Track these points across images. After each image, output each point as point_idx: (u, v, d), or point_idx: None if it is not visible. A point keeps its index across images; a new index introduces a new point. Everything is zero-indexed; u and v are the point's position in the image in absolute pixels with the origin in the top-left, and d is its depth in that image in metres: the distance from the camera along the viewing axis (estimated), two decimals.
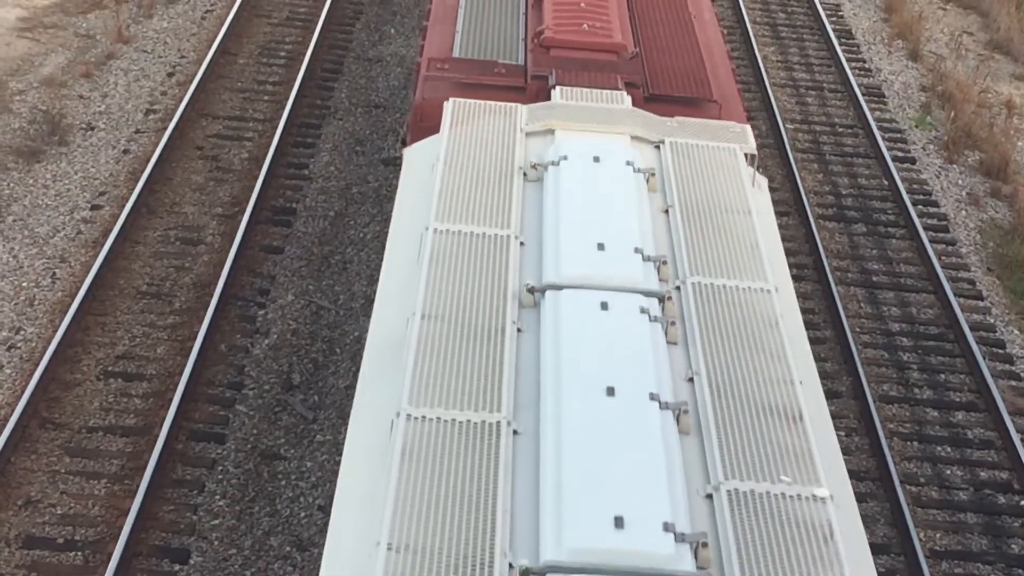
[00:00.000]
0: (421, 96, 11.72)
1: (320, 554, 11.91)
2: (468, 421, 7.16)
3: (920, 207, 18.20)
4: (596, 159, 9.72)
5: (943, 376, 15.06)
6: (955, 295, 16.22)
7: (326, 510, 12.39)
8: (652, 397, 7.43)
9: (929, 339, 15.64)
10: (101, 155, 17.66)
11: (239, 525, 12.24)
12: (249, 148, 18.14)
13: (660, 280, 8.68)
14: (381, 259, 9.25)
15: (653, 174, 9.90)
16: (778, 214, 17.36)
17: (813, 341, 14.91)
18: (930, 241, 17.26)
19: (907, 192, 18.37)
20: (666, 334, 8.16)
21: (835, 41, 22.47)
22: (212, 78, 19.67)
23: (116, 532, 11.84)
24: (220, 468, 12.85)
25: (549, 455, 7.01)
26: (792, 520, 6.75)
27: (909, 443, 14.06)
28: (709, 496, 6.99)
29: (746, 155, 10.43)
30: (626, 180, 9.51)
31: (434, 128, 10.71)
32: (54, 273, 15.23)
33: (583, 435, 7.10)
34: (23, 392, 13.14)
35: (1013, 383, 15.05)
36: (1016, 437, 13.91)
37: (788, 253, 16.35)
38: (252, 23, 21.65)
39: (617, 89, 11.42)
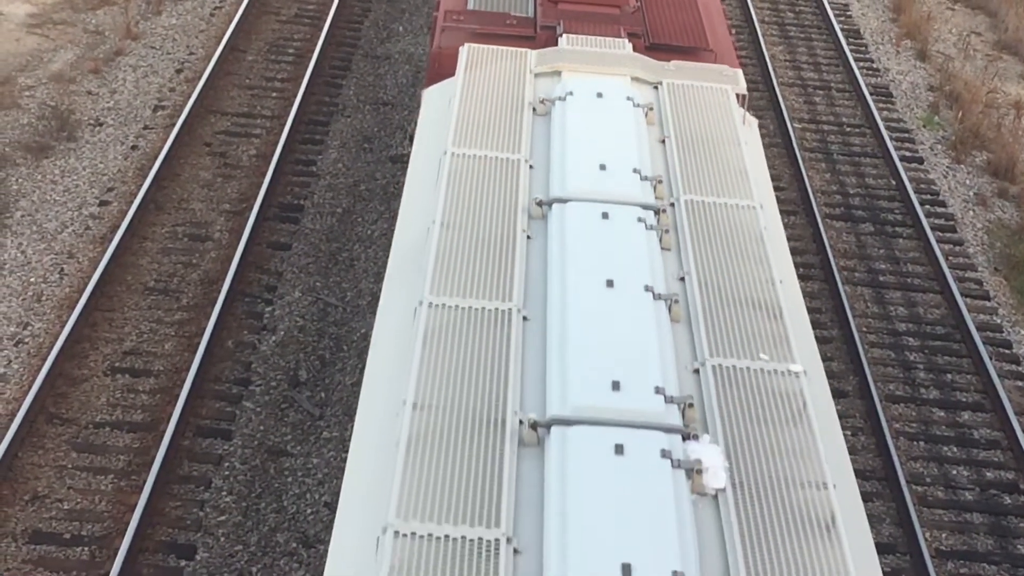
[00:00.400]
0: (438, 45, 12.40)
1: (326, 551, 11.93)
2: (483, 308, 7.94)
3: (927, 207, 18.20)
4: (599, 95, 10.55)
5: (950, 376, 15.06)
6: (962, 295, 16.22)
7: (332, 507, 12.42)
8: (647, 288, 8.25)
9: (936, 339, 15.63)
10: (109, 151, 17.69)
11: (245, 521, 12.26)
12: (257, 145, 18.16)
13: (656, 197, 9.50)
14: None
15: (651, 109, 10.72)
16: (785, 213, 17.36)
17: (819, 340, 14.92)
18: (937, 241, 17.26)
19: (914, 192, 18.36)
20: (660, 241, 9.01)
21: (843, 41, 22.46)
22: (220, 75, 19.69)
23: (123, 527, 11.87)
24: (227, 464, 12.87)
25: (555, 334, 7.78)
26: (769, 391, 7.57)
27: (915, 443, 14.06)
28: (696, 371, 7.80)
29: (737, 96, 11.22)
30: (626, 113, 10.34)
31: (451, 75, 11.48)
32: (62, 269, 15.26)
33: (585, 318, 7.90)
34: (30, 387, 13.17)
35: (1020, 383, 15.05)
36: (1022, 437, 13.90)
37: (795, 252, 16.36)
38: (261, 20, 21.67)
39: (619, 38, 12.13)
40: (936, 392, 14.81)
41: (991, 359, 15.18)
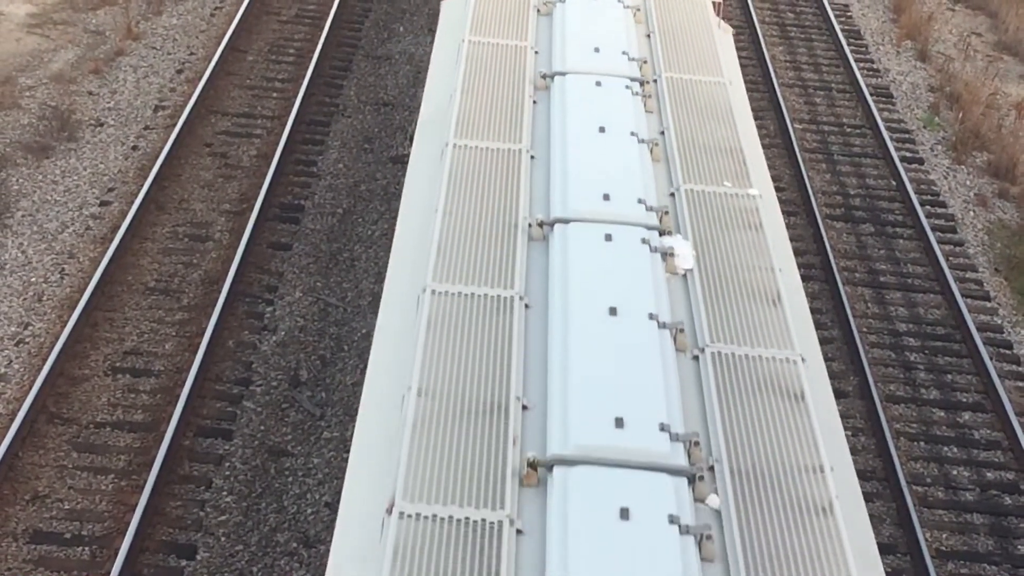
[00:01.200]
0: None
1: (326, 551, 11.93)
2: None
3: (928, 207, 18.20)
4: None
5: (950, 376, 15.06)
6: (962, 295, 16.22)
7: (333, 507, 12.42)
8: (632, 133, 10.09)
9: (936, 339, 15.64)
10: (110, 151, 17.69)
11: (246, 521, 12.26)
12: (258, 145, 18.17)
13: (642, 75, 11.25)
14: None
15: (639, 10, 12.67)
16: (785, 213, 17.36)
17: (820, 340, 14.91)
18: (938, 242, 17.26)
19: (915, 192, 18.37)
20: (644, 106, 10.88)
21: (843, 41, 22.47)
22: (221, 75, 19.70)
23: (123, 527, 11.87)
24: (227, 464, 12.87)
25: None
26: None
27: (916, 443, 14.06)
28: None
29: (714, 3, 13.26)
30: (616, 11, 12.27)
31: None
32: (63, 269, 15.26)
33: (581, 156, 9.64)
34: (31, 387, 13.17)
35: (1020, 384, 15.05)
36: (1023, 438, 13.90)
37: (795, 253, 16.35)
38: (261, 20, 21.68)
39: None
40: (936, 392, 14.82)
41: (991, 359, 15.19)
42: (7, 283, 14.99)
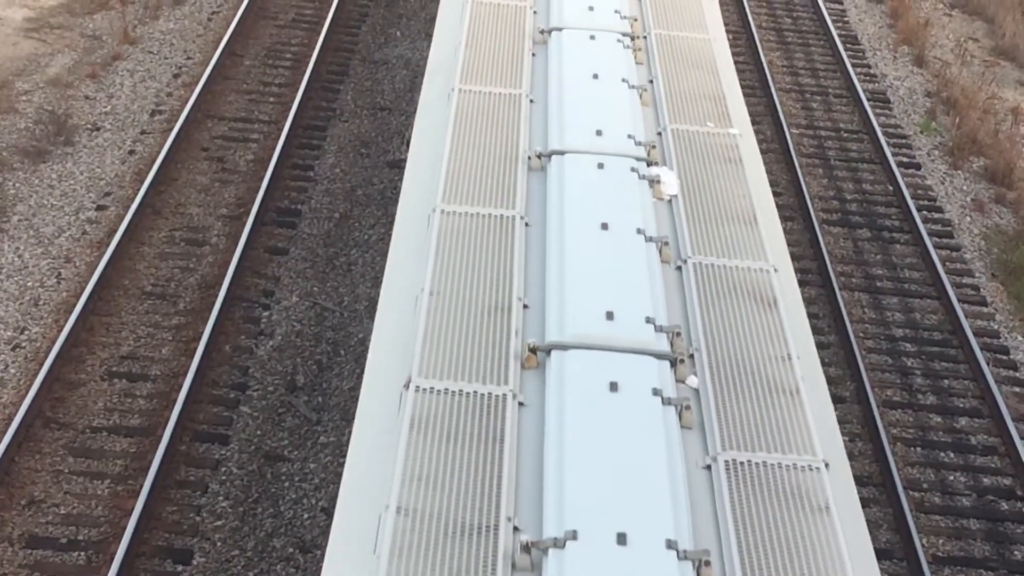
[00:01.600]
0: None
1: (322, 555, 11.92)
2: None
3: (925, 213, 18.21)
4: None
5: (947, 382, 15.06)
6: (959, 301, 16.23)
7: (329, 512, 12.41)
8: (623, 80, 10.83)
9: (933, 345, 15.64)
10: (107, 156, 17.69)
11: (242, 526, 12.25)
12: (254, 150, 18.16)
13: (632, 31, 11.79)
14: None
15: None
16: (783, 219, 17.36)
17: (817, 346, 14.91)
18: (934, 247, 17.27)
19: (912, 198, 18.38)
20: (635, 58, 11.55)
21: (840, 46, 22.48)
22: (218, 79, 19.70)
23: (119, 532, 11.86)
24: (224, 469, 12.86)
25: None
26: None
27: (912, 448, 14.06)
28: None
29: None
30: None
31: None
32: (59, 273, 15.26)
33: (576, 99, 10.45)
34: (27, 392, 13.16)
35: (1016, 389, 15.05)
36: (1019, 443, 13.91)
37: (792, 258, 16.36)
38: (258, 25, 21.68)
39: None
40: (933, 398, 14.82)
41: (988, 365, 15.19)
42: (3, 287, 14.98)
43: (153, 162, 17.28)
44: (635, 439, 7.15)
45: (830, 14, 23.90)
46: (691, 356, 8.06)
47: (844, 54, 22.21)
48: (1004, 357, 15.55)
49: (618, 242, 8.84)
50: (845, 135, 20.14)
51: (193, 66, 20.12)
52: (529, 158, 9.79)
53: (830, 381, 14.66)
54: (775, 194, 18.02)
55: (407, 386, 7.48)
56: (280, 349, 14.50)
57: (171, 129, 18.09)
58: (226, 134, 18.50)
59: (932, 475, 13.75)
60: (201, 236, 16.20)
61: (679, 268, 8.92)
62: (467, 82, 10.63)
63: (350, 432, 8.24)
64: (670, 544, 6.51)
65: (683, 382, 7.86)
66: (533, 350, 7.83)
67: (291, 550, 12.07)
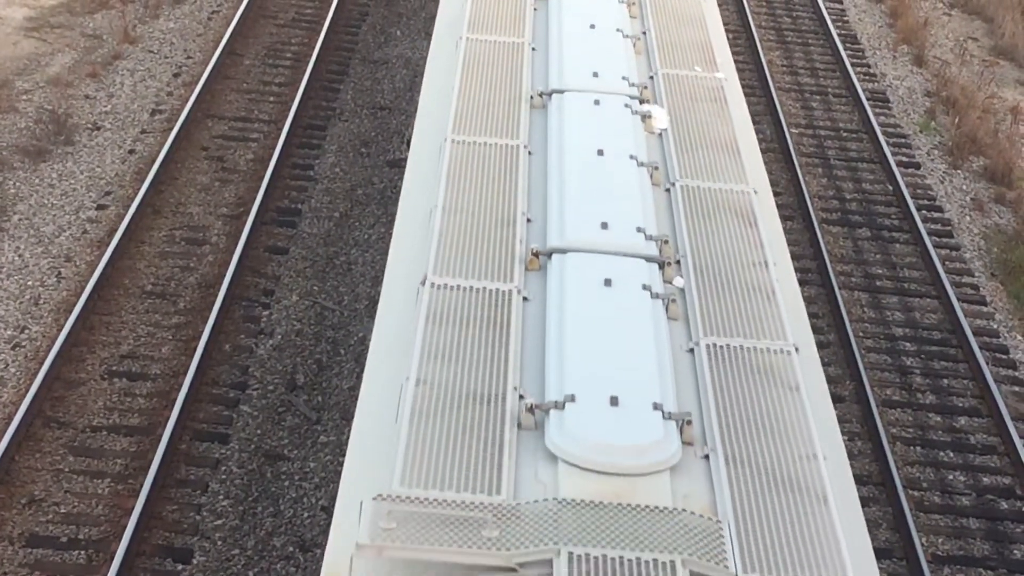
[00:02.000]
0: None
1: (322, 554, 11.93)
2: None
3: (924, 212, 18.22)
4: None
5: (946, 381, 15.08)
6: (959, 300, 16.24)
7: (329, 510, 12.42)
8: (618, 30, 11.54)
9: (932, 344, 15.65)
10: (107, 155, 17.70)
11: (242, 525, 12.27)
12: (255, 149, 18.17)
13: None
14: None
15: None
16: (782, 219, 17.37)
17: (816, 344, 14.93)
18: (934, 246, 17.28)
19: (911, 197, 18.39)
20: (628, 12, 12.17)
21: (840, 46, 22.49)
22: (218, 79, 19.71)
23: (119, 531, 11.87)
24: (224, 468, 12.87)
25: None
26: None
27: (912, 448, 14.08)
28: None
29: None
30: None
31: None
32: (59, 272, 15.26)
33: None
34: (28, 391, 13.17)
35: (1016, 388, 15.06)
36: (1019, 442, 13.92)
37: (792, 258, 16.37)
38: (258, 24, 21.69)
39: None
40: (933, 397, 14.83)
41: (988, 364, 15.20)
42: (3, 287, 14.99)
43: (153, 161, 17.29)
44: (626, 324, 8.01)
45: (829, 13, 23.91)
46: (677, 262, 8.97)
47: (844, 53, 22.22)
48: (1003, 356, 15.56)
49: (612, 165, 9.78)
50: (845, 135, 20.15)
51: (193, 65, 20.13)
52: (532, 97, 10.59)
53: (829, 380, 14.67)
54: (775, 193, 18.02)
55: (423, 283, 8.31)
56: (280, 348, 14.52)
57: (171, 128, 18.10)
58: (226, 133, 18.51)
59: (932, 474, 13.76)
60: (201, 235, 16.21)
61: (668, 190, 9.85)
62: (474, 32, 11.40)
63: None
64: (656, 406, 7.29)
65: (670, 283, 8.72)
66: (536, 254, 8.65)
67: (291, 549, 12.08)
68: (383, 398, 8.05)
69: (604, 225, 8.98)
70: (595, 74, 10.93)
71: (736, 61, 21.30)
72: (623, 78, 10.96)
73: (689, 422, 7.31)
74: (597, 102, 10.62)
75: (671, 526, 6.57)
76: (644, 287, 8.36)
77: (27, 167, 17.30)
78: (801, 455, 7.28)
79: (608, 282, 8.35)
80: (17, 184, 16.94)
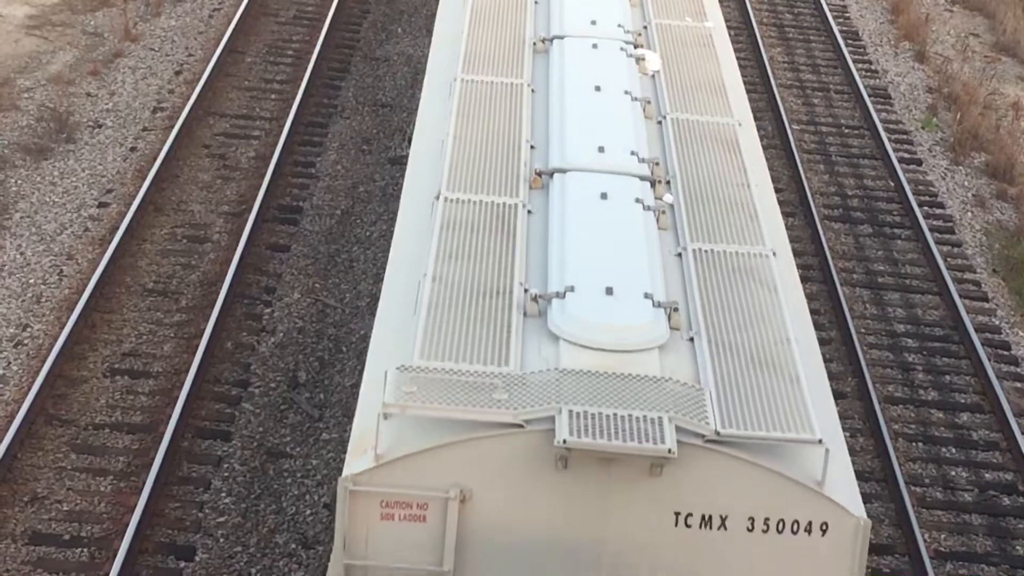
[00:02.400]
0: None
1: (325, 551, 11.94)
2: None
3: (926, 208, 18.22)
4: None
5: (948, 377, 15.07)
6: (960, 296, 16.23)
7: (331, 508, 12.42)
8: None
9: (934, 340, 15.65)
10: (108, 153, 17.70)
11: (245, 522, 12.27)
12: (256, 147, 18.18)
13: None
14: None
15: None
16: (784, 215, 17.36)
17: (819, 341, 14.92)
18: (936, 242, 17.27)
19: (913, 193, 18.38)
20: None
21: (841, 42, 22.49)
22: (219, 76, 19.71)
23: (122, 529, 11.86)
24: (226, 466, 12.88)
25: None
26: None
27: (914, 444, 14.07)
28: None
29: None
30: None
31: None
32: (61, 270, 15.27)
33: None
34: (30, 389, 13.17)
35: (1018, 384, 15.06)
36: (1021, 439, 13.91)
37: (794, 254, 16.35)
38: (260, 22, 21.69)
39: None
40: (935, 393, 14.83)
41: (990, 360, 15.19)
42: (5, 285, 14.99)
43: (155, 159, 17.29)
44: (620, 229, 9.02)
45: (831, 10, 23.90)
46: (668, 182, 9.91)
47: (845, 50, 22.21)
48: (1005, 352, 15.55)
49: (608, 99, 10.75)
50: (846, 131, 20.14)
51: (195, 63, 20.13)
52: (534, 43, 11.72)
53: (831, 376, 14.67)
54: (776, 190, 18.02)
55: (437, 198, 9.27)
56: (282, 346, 14.52)
57: (173, 126, 18.10)
58: (228, 131, 18.51)
59: (934, 470, 13.76)
60: (203, 233, 16.21)
61: (659, 123, 10.82)
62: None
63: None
64: (647, 295, 8.30)
65: (660, 199, 9.68)
66: (539, 174, 9.57)
67: (294, 546, 12.08)
68: (403, 294, 8.86)
69: (601, 149, 9.94)
70: (593, 22, 12.07)
71: (738, 59, 21.28)
72: (619, 26, 12.12)
73: (676, 310, 8.28)
74: (595, 46, 11.67)
75: (659, 391, 7.48)
76: (637, 200, 9.39)
77: (29, 165, 17.30)
78: (776, 339, 8.23)
79: (604, 195, 9.33)
80: (19, 182, 16.94)
